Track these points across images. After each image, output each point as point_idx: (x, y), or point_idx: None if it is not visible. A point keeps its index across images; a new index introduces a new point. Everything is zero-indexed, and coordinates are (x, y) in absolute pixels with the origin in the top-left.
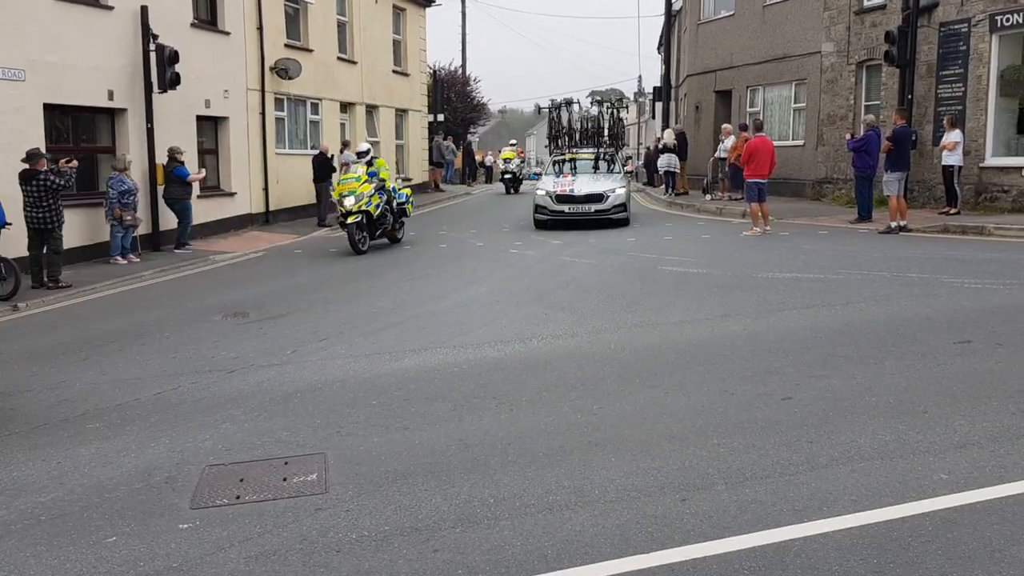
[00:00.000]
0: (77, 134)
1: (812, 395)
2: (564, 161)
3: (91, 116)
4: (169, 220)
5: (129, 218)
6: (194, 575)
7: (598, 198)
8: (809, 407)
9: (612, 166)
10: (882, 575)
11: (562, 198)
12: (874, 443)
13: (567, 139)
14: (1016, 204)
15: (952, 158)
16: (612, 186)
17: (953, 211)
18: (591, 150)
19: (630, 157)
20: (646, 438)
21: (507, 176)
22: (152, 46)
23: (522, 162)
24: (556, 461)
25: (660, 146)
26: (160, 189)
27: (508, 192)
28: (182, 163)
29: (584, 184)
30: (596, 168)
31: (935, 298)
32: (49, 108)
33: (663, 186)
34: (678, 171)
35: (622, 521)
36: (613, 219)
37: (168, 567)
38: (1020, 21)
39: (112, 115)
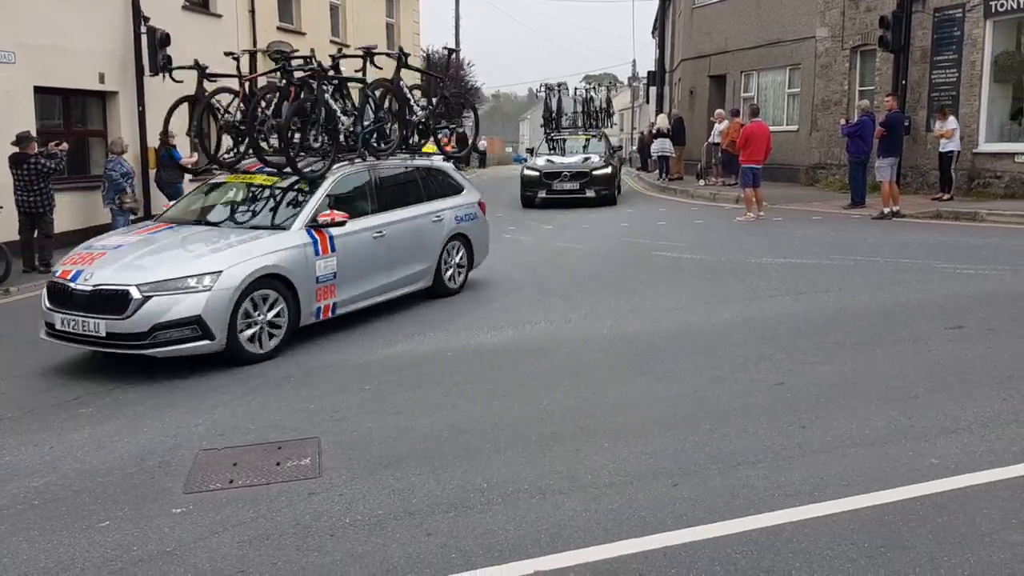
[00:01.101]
0: (68, 117)
1: (804, 381)
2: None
3: (82, 99)
4: (161, 204)
5: (130, 201)
6: (187, 559)
7: None
8: (801, 393)
9: None
10: (873, 559)
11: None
12: (866, 428)
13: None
14: (1009, 190)
15: (951, 144)
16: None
17: (946, 197)
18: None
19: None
20: (639, 424)
21: None
22: (143, 29)
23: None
24: (549, 447)
25: (654, 131)
26: (152, 173)
27: None
28: (174, 146)
29: None
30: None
31: (928, 284)
32: (40, 91)
33: (657, 171)
34: (672, 156)
35: (615, 506)
36: None
37: (161, 551)
38: (1014, 7)
39: (103, 98)
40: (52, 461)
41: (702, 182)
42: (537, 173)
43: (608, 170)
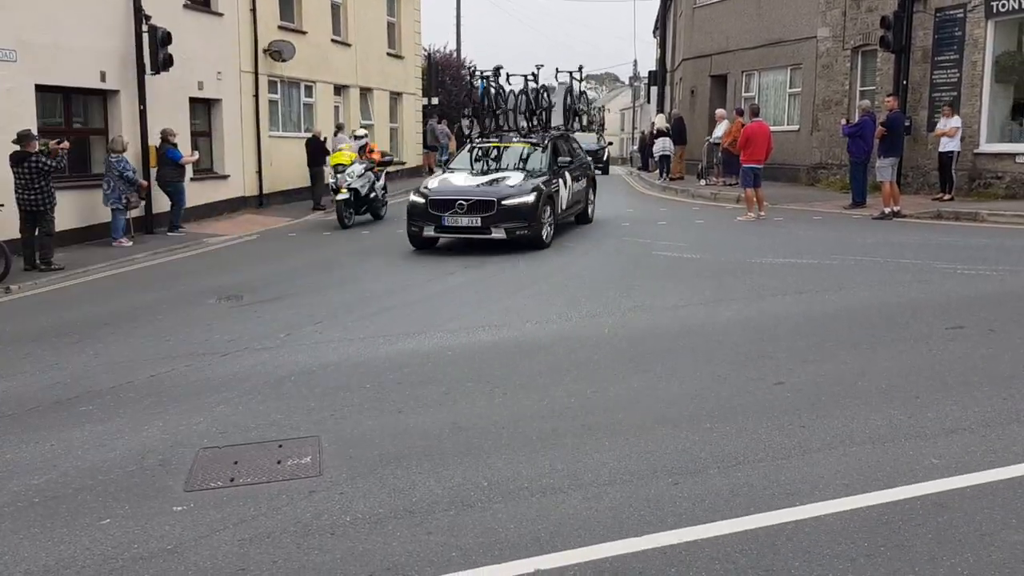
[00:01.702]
0: (69, 115)
1: (805, 380)
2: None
3: (83, 97)
4: (162, 203)
5: (134, 199)
6: (188, 557)
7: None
8: (801, 392)
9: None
10: (873, 559)
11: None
12: (866, 428)
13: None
14: (1009, 190)
15: (951, 144)
16: None
17: (947, 197)
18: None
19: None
20: (639, 422)
21: (343, 197)
22: (145, 27)
23: (375, 168)
24: (550, 444)
25: (654, 131)
26: (153, 171)
27: (345, 226)
28: (175, 145)
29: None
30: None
31: (928, 284)
32: (41, 89)
33: (657, 171)
34: (673, 156)
35: (615, 504)
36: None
37: (162, 549)
38: (1015, 7)
39: (104, 97)
40: (53, 459)
41: (703, 182)
42: (423, 201)
43: (529, 199)
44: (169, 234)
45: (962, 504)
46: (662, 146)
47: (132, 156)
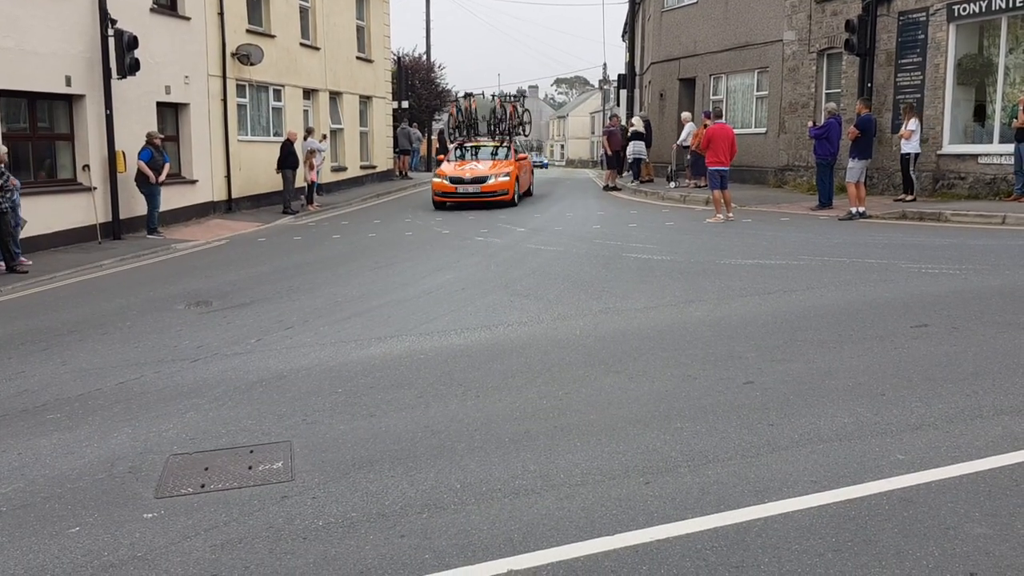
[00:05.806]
0: (34, 120)
1: (773, 379)
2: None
3: (48, 102)
4: (131, 207)
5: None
6: (159, 564)
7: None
8: (770, 391)
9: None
10: (840, 553)
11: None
12: (833, 425)
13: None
14: (972, 191)
15: (909, 146)
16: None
17: (909, 198)
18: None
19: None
20: (611, 422)
21: None
22: (111, 31)
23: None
24: (522, 446)
25: (628, 133)
26: (122, 176)
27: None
28: (155, 145)
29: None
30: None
31: (893, 283)
32: (5, 94)
33: (628, 173)
34: (645, 158)
35: (587, 504)
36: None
37: (132, 557)
38: (976, 11)
39: (70, 101)
40: (20, 467)
41: (672, 184)
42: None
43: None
44: (149, 236)
45: (927, 499)
46: (635, 148)
47: (99, 161)
